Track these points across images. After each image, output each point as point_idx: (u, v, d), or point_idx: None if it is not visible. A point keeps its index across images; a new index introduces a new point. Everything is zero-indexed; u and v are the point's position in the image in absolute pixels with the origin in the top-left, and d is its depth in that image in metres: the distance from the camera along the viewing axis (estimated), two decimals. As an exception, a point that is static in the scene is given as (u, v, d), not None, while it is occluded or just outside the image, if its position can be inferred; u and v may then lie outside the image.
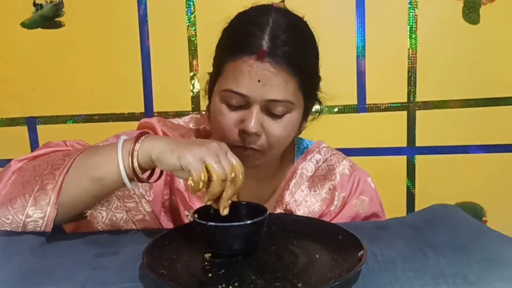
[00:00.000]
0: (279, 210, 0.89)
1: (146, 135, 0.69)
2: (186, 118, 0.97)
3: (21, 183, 0.69)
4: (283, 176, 0.93)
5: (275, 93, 0.75)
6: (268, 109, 0.76)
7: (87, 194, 0.69)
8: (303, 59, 0.78)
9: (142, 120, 0.93)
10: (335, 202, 0.89)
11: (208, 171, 0.62)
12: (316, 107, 0.91)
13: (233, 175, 0.63)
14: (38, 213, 0.66)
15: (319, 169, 0.92)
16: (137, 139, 0.67)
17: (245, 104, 0.76)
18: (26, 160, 0.74)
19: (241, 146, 0.78)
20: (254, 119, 0.75)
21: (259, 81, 0.74)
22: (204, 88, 0.87)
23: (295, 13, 0.83)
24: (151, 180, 0.70)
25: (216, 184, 0.62)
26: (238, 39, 0.77)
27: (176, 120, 0.95)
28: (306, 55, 0.79)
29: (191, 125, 0.95)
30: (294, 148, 0.95)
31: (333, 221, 0.88)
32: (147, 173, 0.70)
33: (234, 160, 0.64)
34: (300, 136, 0.97)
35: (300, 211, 0.88)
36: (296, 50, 0.76)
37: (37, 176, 0.68)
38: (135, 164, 0.66)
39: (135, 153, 0.66)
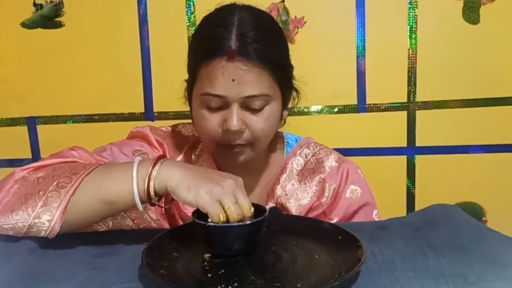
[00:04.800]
0: (270, 204, 0.91)
1: (162, 160, 0.68)
2: (178, 127, 0.98)
3: (24, 194, 0.67)
4: (273, 171, 0.94)
5: (250, 89, 0.77)
6: (247, 105, 0.78)
7: (96, 216, 0.69)
8: (272, 52, 0.79)
9: (134, 129, 0.93)
10: (326, 194, 0.91)
11: (224, 210, 0.62)
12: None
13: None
14: (41, 226, 0.66)
15: (308, 163, 0.94)
16: (154, 165, 0.66)
17: (224, 104, 0.78)
18: (31, 169, 0.71)
19: (229, 145, 0.80)
20: (235, 117, 0.77)
21: (233, 80, 0.76)
22: (184, 95, 0.88)
23: (259, 8, 0.84)
24: (163, 204, 0.70)
25: None
26: (207, 43, 0.78)
27: (166, 128, 0.96)
28: (275, 48, 0.81)
29: (182, 133, 0.96)
30: (284, 144, 0.97)
31: (328, 214, 0.90)
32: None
33: (247, 202, 0.64)
34: (297, 135, 0.99)
35: (291, 204, 0.90)
36: (265, 44, 0.77)
37: (41, 190, 0.66)
38: (151, 191, 0.65)
39: (151, 181, 0.65)
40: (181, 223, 0.88)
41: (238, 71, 0.75)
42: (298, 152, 0.95)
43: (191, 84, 0.83)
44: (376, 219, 0.93)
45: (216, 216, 0.61)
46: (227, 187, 0.63)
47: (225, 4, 0.84)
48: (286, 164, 0.93)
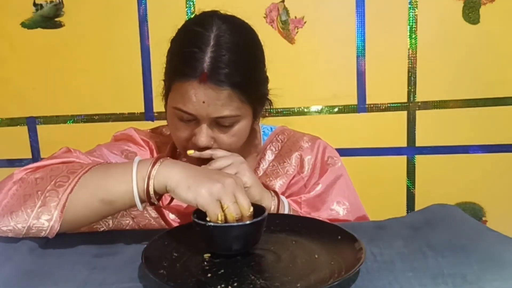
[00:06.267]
0: None
1: (162, 159, 0.68)
2: (159, 128, 1.00)
3: (23, 195, 0.67)
4: (253, 158, 0.99)
5: (220, 111, 0.79)
6: (217, 122, 0.81)
7: (95, 215, 0.69)
8: (245, 76, 0.80)
9: (117, 133, 0.95)
10: (306, 167, 0.96)
11: (223, 210, 0.62)
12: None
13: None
14: (40, 227, 0.66)
15: (284, 146, 0.99)
16: (153, 164, 0.67)
17: (195, 119, 0.80)
18: (29, 170, 0.72)
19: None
20: (204, 135, 0.80)
21: (203, 102, 0.77)
22: (161, 93, 0.89)
23: (239, 20, 0.85)
24: (163, 203, 0.71)
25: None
26: (181, 63, 0.79)
27: (150, 130, 0.99)
28: (248, 71, 0.81)
29: (163, 133, 0.99)
30: (260, 134, 1.01)
31: (309, 186, 0.94)
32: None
33: (246, 201, 0.65)
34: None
35: (272, 182, 0.94)
36: (237, 69, 0.78)
37: (39, 190, 0.67)
38: (151, 191, 0.66)
39: (151, 181, 0.66)
40: (170, 221, 0.88)
41: (209, 93, 0.77)
42: (274, 138, 1.00)
43: (166, 90, 0.85)
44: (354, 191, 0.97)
45: (214, 215, 0.61)
46: (227, 186, 0.63)
47: (204, 12, 0.85)
48: (264, 150, 0.99)
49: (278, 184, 0.94)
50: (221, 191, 0.62)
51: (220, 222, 0.61)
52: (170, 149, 0.95)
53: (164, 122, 1.00)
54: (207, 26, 0.79)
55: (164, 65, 0.86)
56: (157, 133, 0.99)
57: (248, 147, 0.96)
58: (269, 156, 0.98)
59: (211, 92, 0.77)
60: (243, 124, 0.83)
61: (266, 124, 1.03)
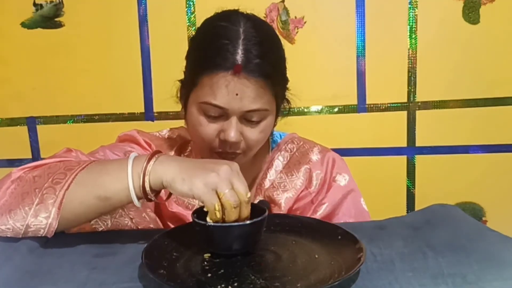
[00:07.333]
0: (259, 198, 0.92)
1: (157, 155, 0.68)
2: (163, 131, 0.99)
3: (21, 194, 0.67)
4: (260, 167, 0.96)
5: (252, 104, 0.78)
6: (246, 117, 0.80)
7: (92, 211, 0.69)
8: (275, 68, 0.81)
9: (122, 134, 0.94)
10: (314, 182, 0.93)
11: (219, 198, 0.62)
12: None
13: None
14: (38, 225, 0.66)
15: (293, 157, 0.97)
16: (148, 160, 0.66)
17: (223, 114, 0.80)
18: (27, 169, 0.72)
19: (223, 151, 0.82)
20: (234, 129, 0.79)
21: (236, 94, 0.77)
22: (176, 94, 0.88)
23: (261, 19, 0.85)
24: (160, 199, 0.70)
25: (230, 212, 0.61)
26: (212, 55, 0.78)
27: (153, 133, 0.98)
28: (277, 64, 0.83)
29: (166, 136, 0.98)
30: (269, 141, 0.99)
31: (315, 202, 0.92)
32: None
33: (242, 186, 0.64)
34: (297, 135, 1.01)
35: (279, 196, 0.92)
36: (268, 61, 0.79)
37: (37, 188, 0.67)
38: (147, 187, 0.65)
39: (147, 177, 0.65)
40: (168, 222, 0.88)
41: (242, 86, 0.77)
42: (283, 147, 0.98)
43: (189, 87, 0.83)
44: (364, 207, 0.95)
45: (211, 205, 0.60)
46: (222, 173, 0.62)
47: (227, 10, 0.84)
48: (272, 159, 0.96)
49: (285, 197, 0.92)
50: (216, 180, 0.62)
51: (218, 212, 0.60)
52: (176, 153, 0.94)
53: (165, 125, 1.00)
54: (233, 21, 0.80)
55: (185, 65, 0.85)
56: (162, 135, 0.98)
57: (259, 150, 0.93)
58: (277, 166, 0.96)
59: (245, 83, 0.77)
60: (269, 121, 0.83)
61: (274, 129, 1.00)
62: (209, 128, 0.81)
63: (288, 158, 0.96)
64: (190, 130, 0.86)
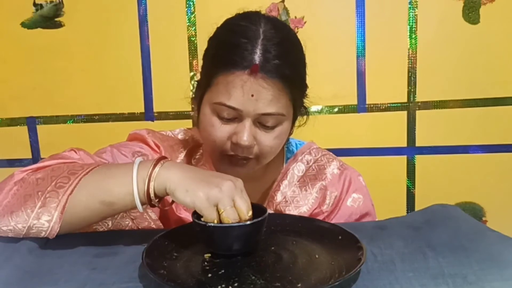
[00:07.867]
0: (269, 211, 0.89)
1: (163, 161, 0.67)
2: (176, 131, 0.97)
3: (23, 196, 0.67)
4: (273, 177, 0.93)
5: (268, 107, 0.75)
6: (260, 121, 0.77)
7: (95, 216, 0.68)
8: (294, 71, 0.78)
9: (132, 132, 0.92)
10: (327, 201, 0.90)
11: (219, 214, 0.61)
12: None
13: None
14: (41, 227, 0.65)
15: (309, 170, 0.92)
16: (154, 166, 0.66)
17: (237, 116, 0.77)
18: (30, 171, 0.71)
19: (234, 155, 0.80)
20: (247, 133, 0.76)
21: (252, 95, 0.74)
22: (189, 95, 0.87)
23: (282, 21, 0.83)
24: (163, 205, 0.69)
25: None
26: (229, 53, 0.76)
27: (165, 132, 0.95)
28: (296, 67, 0.80)
29: (179, 137, 0.95)
30: (284, 150, 0.95)
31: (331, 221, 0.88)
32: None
33: (244, 204, 0.63)
34: (297, 134, 0.97)
35: (291, 211, 0.89)
36: (288, 63, 0.76)
37: (40, 191, 0.66)
38: (151, 193, 0.65)
39: (152, 183, 0.65)
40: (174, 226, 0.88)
41: (259, 87, 0.74)
42: (300, 158, 0.93)
43: (203, 87, 0.81)
44: None
45: (211, 220, 0.60)
46: (225, 190, 0.62)
47: (249, 11, 0.83)
48: (287, 170, 0.92)
49: (295, 213, 0.88)
50: (218, 196, 0.61)
51: None
52: (186, 155, 0.91)
53: (165, 125, 0.99)
54: (254, 21, 0.78)
55: (201, 65, 0.83)
56: (174, 136, 0.95)
57: (272, 159, 0.89)
58: (292, 178, 0.91)
59: (262, 84, 0.74)
60: (285, 127, 0.80)
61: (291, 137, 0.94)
62: (221, 130, 0.78)
63: (304, 171, 0.92)
64: (201, 132, 0.83)
